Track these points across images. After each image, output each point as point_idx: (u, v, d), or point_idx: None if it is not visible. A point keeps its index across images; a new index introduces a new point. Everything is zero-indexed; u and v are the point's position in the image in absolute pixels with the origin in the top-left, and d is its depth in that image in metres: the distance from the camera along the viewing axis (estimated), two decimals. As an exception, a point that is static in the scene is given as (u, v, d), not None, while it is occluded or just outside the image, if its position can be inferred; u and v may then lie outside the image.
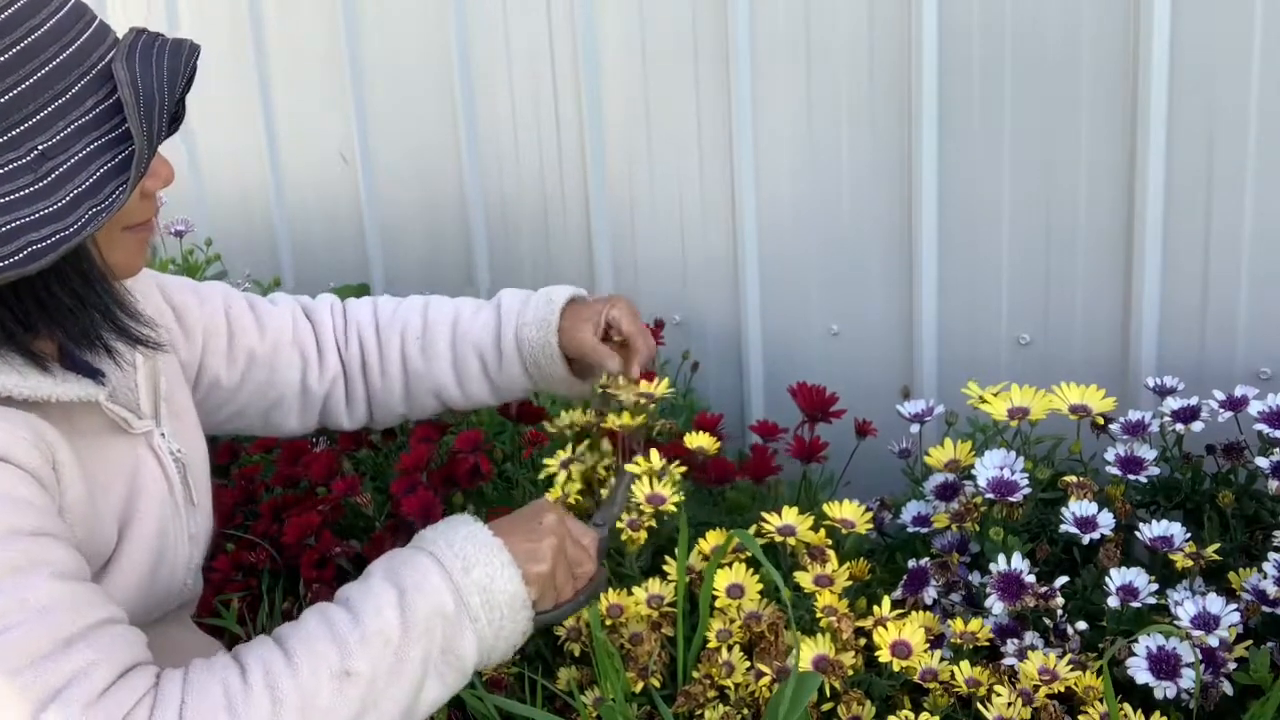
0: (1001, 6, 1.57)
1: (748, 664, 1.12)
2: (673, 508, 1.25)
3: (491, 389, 1.37)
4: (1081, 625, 1.11)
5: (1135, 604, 1.11)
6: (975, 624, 1.13)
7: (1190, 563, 1.13)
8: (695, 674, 1.13)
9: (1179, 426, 1.31)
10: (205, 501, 1.18)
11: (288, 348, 1.32)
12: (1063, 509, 1.20)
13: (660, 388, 1.37)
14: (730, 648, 1.14)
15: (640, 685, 1.13)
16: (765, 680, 1.09)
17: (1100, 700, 1.03)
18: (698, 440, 1.42)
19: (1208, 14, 1.43)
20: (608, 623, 1.17)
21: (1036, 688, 1.04)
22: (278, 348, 1.32)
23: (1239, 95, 1.44)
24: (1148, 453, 1.28)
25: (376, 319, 1.38)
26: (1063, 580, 1.14)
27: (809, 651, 1.10)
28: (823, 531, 1.25)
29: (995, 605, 1.13)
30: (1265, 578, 1.13)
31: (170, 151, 1.01)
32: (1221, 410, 1.29)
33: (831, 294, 1.83)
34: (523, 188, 2.13)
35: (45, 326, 0.92)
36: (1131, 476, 1.25)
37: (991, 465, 1.25)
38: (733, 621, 1.15)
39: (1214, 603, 1.08)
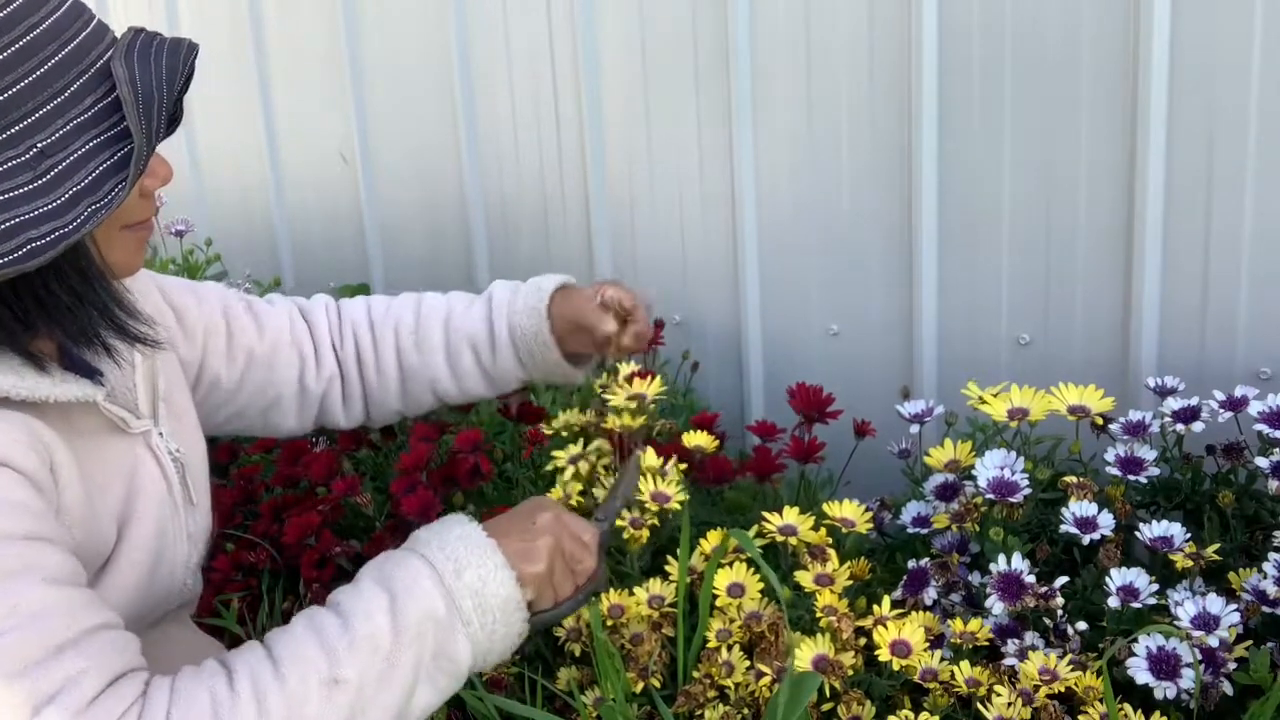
0: (1001, 6, 1.57)
1: (748, 664, 1.12)
2: (677, 505, 1.25)
3: (486, 381, 1.37)
4: (1081, 625, 1.11)
5: (1135, 604, 1.11)
6: (975, 624, 1.12)
7: (1190, 563, 1.13)
8: (695, 674, 1.13)
9: (1179, 427, 1.31)
10: (204, 501, 1.17)
11: (286, 348, 1.33)
12: (1063, 509, 1.20)
13: (653, 388, 1.37)
14: (730, 648, 1.13)
15: (640, 685, 1.13)
16: (765, 680, 1.09)
17: (1100, 700, 1.03)
18: (695, 439, 1.42)
19: (1208, 14, 1.43)
20: (608, 623, 1.17)
21: (1036, 688, 1.04)
22: (276, 348, 1.32)
23: (1239, 95, 1.44)
24: (1148, 453, 1.28)
25: (370, 317, 1.38)
26: (1063, 580, 1.13)
27: (809, 651, 1.10)
28: (823, 531, 1.24)
29: (995, 605, 1.13)
30: (1265, 578, 1.13)
31: (170, 151, 1.01)
32: (1221, 410, 1.29)
33: (831, 294, 1.83)
34: (523, 187, 2.13)
35: (44, 325, 0.92)
36: (1131, 477, 1.25)
37: (991, 465, 1.25)
38: (733, 621, 1.15)
39: (1214, 603, 1.08)
